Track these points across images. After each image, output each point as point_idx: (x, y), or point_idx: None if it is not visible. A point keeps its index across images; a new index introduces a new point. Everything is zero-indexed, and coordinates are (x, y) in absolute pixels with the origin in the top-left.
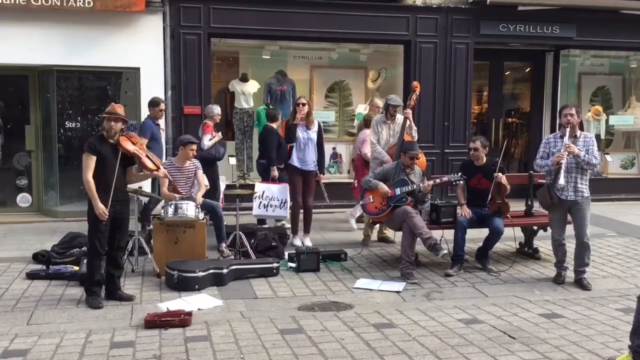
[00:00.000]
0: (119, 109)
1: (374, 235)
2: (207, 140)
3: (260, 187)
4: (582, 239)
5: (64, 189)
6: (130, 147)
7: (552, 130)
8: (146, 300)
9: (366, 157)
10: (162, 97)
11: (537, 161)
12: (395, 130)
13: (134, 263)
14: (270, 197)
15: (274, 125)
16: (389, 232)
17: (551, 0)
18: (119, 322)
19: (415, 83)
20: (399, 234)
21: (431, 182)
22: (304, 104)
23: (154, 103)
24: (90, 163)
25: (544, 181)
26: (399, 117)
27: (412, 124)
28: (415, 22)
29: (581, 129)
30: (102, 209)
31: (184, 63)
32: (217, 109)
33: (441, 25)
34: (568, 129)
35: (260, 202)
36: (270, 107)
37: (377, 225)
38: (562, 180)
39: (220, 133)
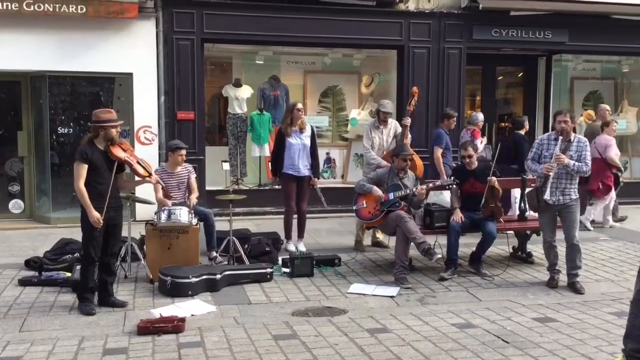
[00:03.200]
0: (113, 114)
1: (368, 240)
2: (480, 144)
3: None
4: (572, 241)
5: (56, 195)
6: (121, 154)
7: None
8: (139, 306)
9: (611, 161)
10: (156, 102)
11: (528, 162)
12: (389, 134)
13: (126, 269)
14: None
15: (522, 132)
16: (383, 237)
17: (543, 5)
18: (111, 329)
19: (415, 89)
20: (393, 238)
21: (424, 186)
22: (302, 110)
23: (449, 115)
24: (82, 171)
25: (535, 185)
26: (390, 122)
27: (408, 133)
28: (408, 27)
29: (574, 131)
30: (96, 217)
31: (177, 68)
32: (480, 116)
33: (434, 30)
34: (561, 136)
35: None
36: (264, 111)
37: (371, 230)
38: (547, 195)
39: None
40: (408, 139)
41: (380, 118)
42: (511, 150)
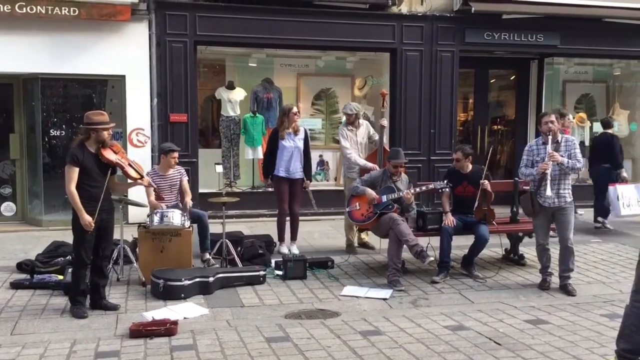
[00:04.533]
0: (105, 116)
1: (356, 242)
2: None
3: (620, 189)
4: (566, 244)
5: (48, 197)
6: (112, 156)
7: (537, 137)
8: (131, 309)
9: None
10: (148, 104)
11: (522, 169)
12: (363, 135)
13: (119, 272)
14: (630, 197)
15: (611, 131)
16: (369, 239)
17: (535, 8)
18: (103, 332)
19: (383, 90)
20: (382, 241)
21: (412, 190)
22: (297, 113)
23: (562, 114)
24: (73, 175)
25: (528, 187)
26: (362, 122)
27: (384, 133)
28: (401, 30)
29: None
30: (88, 220)
31: (170, 71)
32: (570, 116)
33: (427, 33)
34: (550, 137)
35: (622, 203)
36: (257, 114)
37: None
38: (548, 191)
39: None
40: (385, 139)
41: (346, 120)
42: (602, 150)
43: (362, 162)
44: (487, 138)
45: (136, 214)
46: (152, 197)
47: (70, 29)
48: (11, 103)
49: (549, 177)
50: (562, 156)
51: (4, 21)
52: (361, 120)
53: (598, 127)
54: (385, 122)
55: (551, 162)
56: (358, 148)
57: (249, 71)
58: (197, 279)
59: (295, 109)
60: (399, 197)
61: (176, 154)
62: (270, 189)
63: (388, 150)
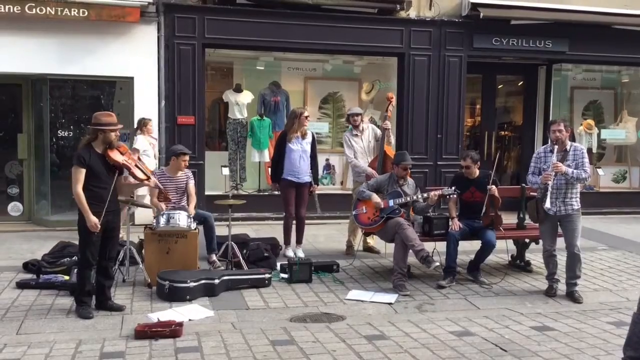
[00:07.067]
0: (113, 118)
1: (359, 245)
2: None
3: None
4: (573, 250)
5: (55, 198)
6: (119, 157)
7: (545, 143)
8: (137, 310)
9: None
10: (156, 106)
11: (529, 177)
12: (369, 139)
13: (124, 273)
14: None
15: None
16: (374, 242)
17: (544, 14)
18: (109, 333)
19: (390, 94)
20: (389, 245)
21: (438, 192)
22: (308, 117)
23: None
24: (80, 176)
25: (535, 194)
26: (366, 126)
27: (390, 134)
28: (409, 35)
29: (573, 140)
30: (94, 221)
31: (178, 73)
32: None
33: (435, 38)
34: (557, 146)
35: None
36: (264, 117)
37: (362, 236)
38: (547, 203)
39: None
40: (392, 141)
41: (350, 122)
42: None
43: (363, 167)
44: (494, 144)
45: (142, 216)
46: (155, 198)
47: (79, 30)
48: (20, 103)
49: (549, 189)
50: (569, 165)
51: (13, 22)
52: (365, 125)
53: (606, 134)
54: (388, 124)
55: (554, 173)
56: (366, 151)
57: (257, 74)
58: (203, 281)
59: (306, 113)
60: (405, 202)
61: (187, 157)
62: (276, 192)
63: (391, 155)
